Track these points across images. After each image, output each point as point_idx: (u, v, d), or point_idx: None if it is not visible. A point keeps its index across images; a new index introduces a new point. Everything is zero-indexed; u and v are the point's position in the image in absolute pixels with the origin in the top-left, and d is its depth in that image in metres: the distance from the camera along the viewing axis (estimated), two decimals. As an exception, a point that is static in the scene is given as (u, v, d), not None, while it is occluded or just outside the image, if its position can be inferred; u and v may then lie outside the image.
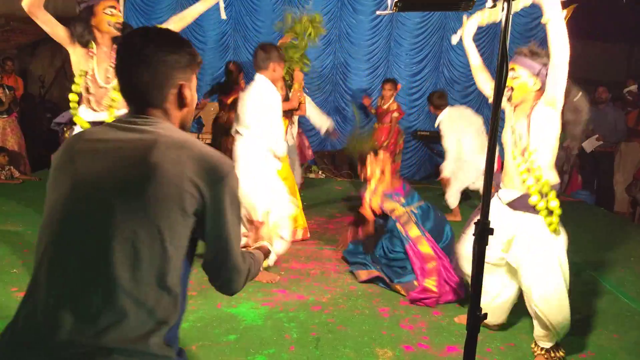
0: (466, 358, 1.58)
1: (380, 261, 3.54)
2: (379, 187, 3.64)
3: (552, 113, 2.43)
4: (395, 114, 5.91)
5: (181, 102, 1.25)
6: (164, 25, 2.86)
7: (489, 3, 1.52)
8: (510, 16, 1.46)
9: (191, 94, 1.28)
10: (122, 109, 2.78)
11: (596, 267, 4.11)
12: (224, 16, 3.44)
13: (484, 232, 1.58)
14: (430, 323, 2.98)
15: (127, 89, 1.24)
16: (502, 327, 3.00)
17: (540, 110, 2.47)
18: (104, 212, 1.10)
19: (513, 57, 2.51)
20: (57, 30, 2.82)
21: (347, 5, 7.20)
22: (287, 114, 4.69)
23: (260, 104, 3.33)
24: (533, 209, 2.44)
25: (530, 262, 2.50)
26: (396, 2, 1.45)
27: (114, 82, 2.80)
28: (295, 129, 5.25)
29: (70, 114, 3.02)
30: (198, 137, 6.91)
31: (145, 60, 1.19)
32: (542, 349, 2.64)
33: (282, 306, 3.08)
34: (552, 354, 2.63)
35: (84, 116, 2.92)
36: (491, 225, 1.50)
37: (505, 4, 1.44)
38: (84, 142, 1.19)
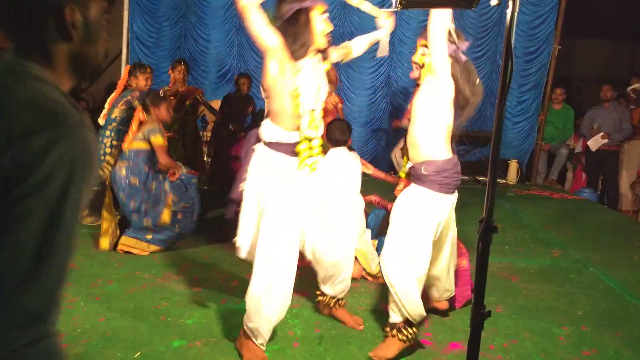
0: (470, 355, 1.59)
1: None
2: None
3: (433, 82, 2.44)
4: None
5: (64, 32, 0.95)
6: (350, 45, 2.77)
7: (494, 1, 1.52)
8: (515, 14, 1.47)
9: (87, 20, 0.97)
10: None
11: (600, 265, 4.11)
12: (386, 52, 3.02)
13: (487, 230, 1.59)
14: (433, 319, 2.99)
15: None
16: (505, 323, 3.01)
17: (425, 83, 2.49)
18: None
19: (423, 32, 2.49)
20: (266, 36, 2.32)
21: (351, 9, 7.20)
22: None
23: None
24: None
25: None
26: (400, 0, 1.46)
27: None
28: None
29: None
30: (202, 135, 6.91)
31: None
32: (391, 325, 2.60)
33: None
34: (402, 332, 2.55)
35: None
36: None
37: (511, 2, 1.45)
38: None
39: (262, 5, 2.27)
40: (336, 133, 3.46)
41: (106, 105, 4.59)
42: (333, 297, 2.87)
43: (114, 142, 4.38)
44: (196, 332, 2.74)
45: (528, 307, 3.27)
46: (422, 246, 2.50)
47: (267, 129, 2.44)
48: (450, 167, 2.49)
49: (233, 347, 2.58)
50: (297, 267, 2.48)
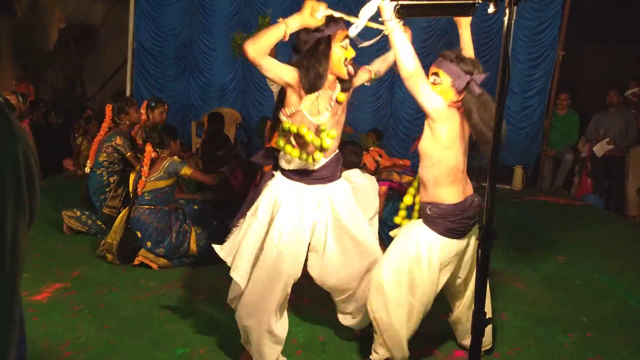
0: (471, 361, 1.58)
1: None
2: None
3: (432, 125, 2.26)
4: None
5: (5, 3, 0.76)
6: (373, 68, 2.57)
7: (491, 9, 1.53)
8: (512, 22, 1.47)
9: None
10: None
11: (605, 271, 4.08)
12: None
13: (487, 236, 1.60)
14: (437, 327, 2.98)
15: None
16: (509, 330, 2.99)
17: (427, 124, 2.31)
18: None
19: (437, 60, 2.29)
20: (283, 76, 2.26)
21: (353, 12, 7.22)
22: None
23: None
24: None
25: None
26: (398, 10, 1.47)
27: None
28: None
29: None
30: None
31: None
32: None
33: (288, 310, 3.09)
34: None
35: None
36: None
37: (507, 10, 1.46)
38: None
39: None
40: (351, 156, 3.47)
41: (90, 153, 4.44)
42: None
43: (112, 186, 4.32)
44: (200, 339, 2.74)
45: (533, 314, 3.25)
46: (415, 289, 2.32)
47: (285, 156, 2.40)
48: (458, 212, 2.28)
49: (235, 355, 2.58)
50: (301, 276, 2.46)
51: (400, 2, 1.45)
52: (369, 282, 2.48)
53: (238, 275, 2.36)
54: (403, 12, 1.48)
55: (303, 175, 2.38)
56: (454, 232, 2.31)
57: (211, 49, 7.63)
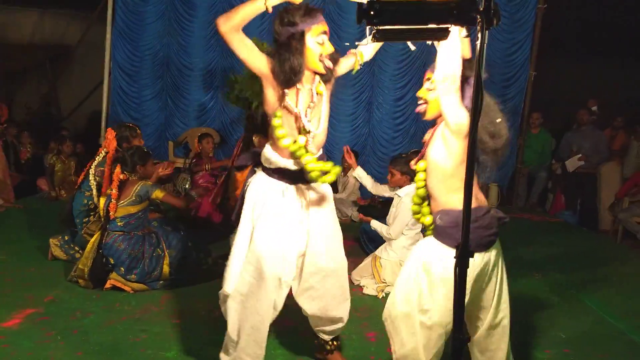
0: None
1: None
2: None
3: (447, 134, 2.06)
4: None
5: None
6: (360, 50, 2.43)
7: (463, 33, 1.57)
8: (485, 46, 1.51)
9: None
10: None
11: (580, 287, 4.14)
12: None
13: (464, 255, 1.61)
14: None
15: None
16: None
17: (439, 131, 2.11)
18: None
19: (433, 64, 2.07)
20: (255, 60, 2.21)
21: (332, 34, 7.32)
22: None
23: None
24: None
25: None
26: (374, 34, 1.50)
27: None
28: None
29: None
30: (185, 162, 6.91)
31: None
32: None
33: (269, 333, 3.05)
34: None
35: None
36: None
37: (480, 33, 1.50)
38: None
39: (255, 26, 2.19)
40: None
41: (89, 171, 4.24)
42: (328, 339, 2.71)
43: (97, 210, 4.10)
44: (177, 364, 2.69)
45: (510, 330, 3.27)
46: (430, 312, 2.10)
47: (266, 154, 2.36)
48: (473, 220, 1.93)
49: (214, 379, 2.53)
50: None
51: (376, 27, 1.48)
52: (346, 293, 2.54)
53: (227, 285, 2.37)
54: (379, 36, 1.51)
55: (285, 174, 2.34)
56: (470, 243, 2.05)
57: (189, 68, 7.62)
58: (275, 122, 2.27)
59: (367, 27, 1.46)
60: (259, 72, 2.23)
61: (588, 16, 8.06)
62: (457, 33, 1.86)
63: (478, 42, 1.50)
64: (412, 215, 2.35)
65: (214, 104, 7.74)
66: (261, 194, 2.35)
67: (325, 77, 2.31)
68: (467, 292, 2.10)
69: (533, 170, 7.56)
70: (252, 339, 2.35)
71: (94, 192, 4.13)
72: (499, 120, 2.06)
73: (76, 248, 4.13)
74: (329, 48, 2.23)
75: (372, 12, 1.46)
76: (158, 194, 3.77)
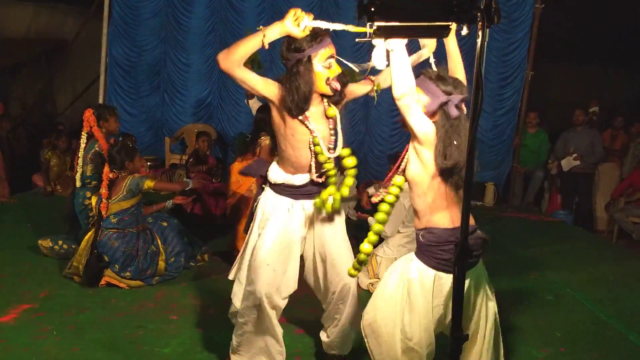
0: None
1: None
2: None
3: (417, 147, 2.03)
4: None
5: None
6: (378, 78, 2.45)
7: (464, 31, 1.57)
8: (485, 44, 1.51)
9: None
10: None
11: (576, 287, 4.16)
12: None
13: (463, 253, 1.61)
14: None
15: None
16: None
17: (412, 144, 2.07)
18: None
19: (418, 78, 2.05)
20: (262, 91, 2.24)
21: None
22: None
23: None
24: None
25: None
26: (374, 30, 1.49)
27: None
28: None
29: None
30: (181, 159, 6.90)
31: None
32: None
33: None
34: None
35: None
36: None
37: (480, 32, 1.49)
38: None
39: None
40: None
41: (79, 162, 4.23)
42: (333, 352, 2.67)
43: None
44: (173, 361, 2.68)
45: (507, 330, 3.27)
46: (411, 332, 2.05)
47: (273, 171, 2.41)
48: (454, 238, 1.94)
49: (210, 376, 2.53)
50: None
51: (376, 24, 1.47)
52: (352, 309, 2.52)
53: (237, 299, 2.48)
54: (379, 33, 1.50)
55: (290, 190, 2.38)
56: (448, 263, 1.98)
57: (186, 64, 7.60)
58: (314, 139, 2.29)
59: (368, 24, 1.46)
60: (269, 99, 2.25)
61: (585, 16, 8.08)
62: (402, 43, 1.92)
63: (479, 41, 1.49)
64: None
65: (211, 100, 7.72)
66: (268, 210, 2.40)
67: (334, 99, 2.32)
68: (438, 309, 2.05)
69: (529, 170, 7.58)
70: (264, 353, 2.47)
71: (78, 168, 4.16)
72: (456, 143, 1.98)
73: (73, 247, 4.06)
74: (336, 70, 2.23)
75: (372, 9, 1.45)
76: (149, 183, 3.74)
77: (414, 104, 1.97)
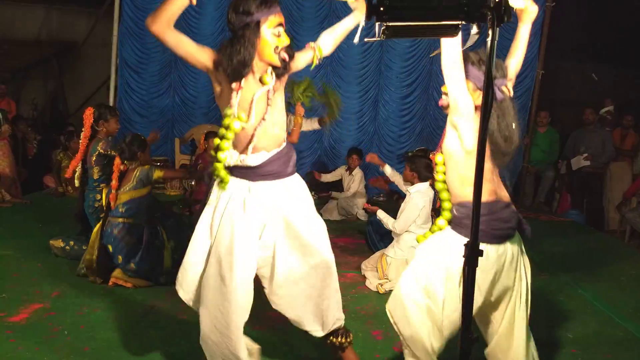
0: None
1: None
2: None
3: (458, 121, 2.06)
4: None
5: None
6: (318, 44, 2.31)
7: (474, 30, 1.56)
8: (495, 43, 1.50)
9: None
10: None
11: (587, 287, 4.12)
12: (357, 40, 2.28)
13: (473, 254, 1.60)
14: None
15: None
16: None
17: (450, 120, 2.10)
18: None
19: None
20: (195, 55, 2.15)
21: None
22: None
23: None
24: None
25: None
26: (383, 30, 1.48)
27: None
28: None
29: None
30: (191, 159, 6.92)
31: None
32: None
33: (274, 329, 3.06)
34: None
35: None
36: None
37: (490, 31, 1.48)
38: None
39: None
40: (427, 169, 3.82)
41: (71, 165, 4.27)
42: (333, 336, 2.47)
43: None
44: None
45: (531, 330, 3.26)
46: (443, 303, 2.09)
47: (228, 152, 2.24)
48: (486, 211, 1.96)
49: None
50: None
51: (385, 24, 1.47)
52: (329, 291, 2.35)
53: (182, 290, 2.28)
54: (388, 33, 1.50)
55: (246, 171, 2.19)
56: (483, 234, 1.93)
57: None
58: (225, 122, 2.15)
59: (377, 24, 1.45)
60: (203, 68, 2.13)
61: (597, 14, 8.02)
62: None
63: (489, 40, 1.48)
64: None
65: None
66: (226, 192, 2.20)
67: (279, 71, 2.17)
68: (484, 288, 2.09)
69: (540, 170, 7.52)
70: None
71: (77, 169, 4.22)
72: (514, 126, 2.07)
73: (81, 247, 4.10)
74: (286, 40, 2.11)
75: (382, 9, 1.45)
76: (158, 173, 3.84)
77: (462, 75, 2.00)
